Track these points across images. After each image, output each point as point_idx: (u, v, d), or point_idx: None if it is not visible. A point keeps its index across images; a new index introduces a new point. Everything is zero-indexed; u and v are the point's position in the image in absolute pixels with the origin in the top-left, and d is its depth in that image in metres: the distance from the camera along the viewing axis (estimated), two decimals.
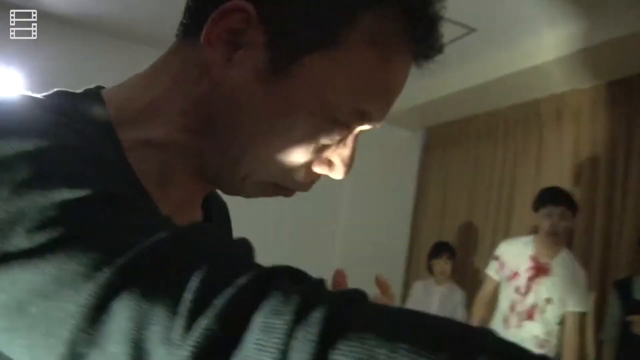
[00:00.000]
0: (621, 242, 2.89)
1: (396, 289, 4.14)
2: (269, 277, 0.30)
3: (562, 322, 2.55)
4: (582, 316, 2.56)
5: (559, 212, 2.50)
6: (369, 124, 0.49)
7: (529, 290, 2.57)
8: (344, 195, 4.32)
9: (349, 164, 0.50)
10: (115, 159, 0.43)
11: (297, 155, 0.47)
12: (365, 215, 4.29)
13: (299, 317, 0.27)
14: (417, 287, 3.61)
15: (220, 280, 0.29)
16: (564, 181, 3.11)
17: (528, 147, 3.59)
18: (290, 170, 0.49)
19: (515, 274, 2.64)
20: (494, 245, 3.28)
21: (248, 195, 0.52)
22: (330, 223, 4.25)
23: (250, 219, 3.02)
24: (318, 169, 0.50)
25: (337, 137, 0.48)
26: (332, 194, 4.23)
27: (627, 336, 2.53)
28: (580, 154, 3.21)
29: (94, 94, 0.47)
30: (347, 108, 0.46)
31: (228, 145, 0.48)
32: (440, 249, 3.55)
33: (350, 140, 0.50)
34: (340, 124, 0.47)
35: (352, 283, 0.46)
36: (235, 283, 0.29)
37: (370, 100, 0.47)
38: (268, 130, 0.46)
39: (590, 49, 2.72)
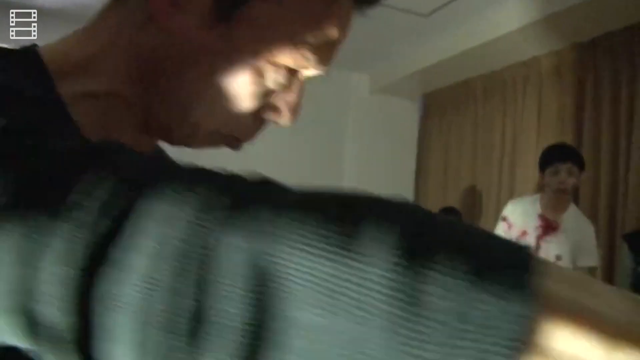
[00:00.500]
0: (627, 200, 2.88)
1: None
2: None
3: None
4: (592, 271, 2.57)
5: (566, 168, 2.48)
6: (314, 69, 0.49)
7: (538, 248, 2.57)
8: (346, 168, 4.31)
9: (295, 110, 0.51)
10: (48, 101, 0.41)
11: (244, 101, 0.48)
12: (367, 186, 4.27)
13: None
14: None
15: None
16: (567, 139, 3.09)
17: (528, 106, 3.55)
18: (238, 117, 0.49)
19: (523, 233, 2.63)
20: (499, 207, 3.27)
21: (197, 146, 0.51)
22: None
23: None
24: (265, 115, 0.51)
25: (282, 82, 0.48)
26: (333, 168, 4.21)
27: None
28: (582, 112, 3.18)
29: (30, 50, 0.45)
30: (290, 52, 0.46)
31: (175, 94, 0.47)
32: (446, 214, 3.52)
33: (295, 86, 0.50)
34: (285, 69, 0.47)
35: None
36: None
37: (313, 44, 0.47)
38: (215, 76, 0.46)
39: (588, 2, 2.67)
